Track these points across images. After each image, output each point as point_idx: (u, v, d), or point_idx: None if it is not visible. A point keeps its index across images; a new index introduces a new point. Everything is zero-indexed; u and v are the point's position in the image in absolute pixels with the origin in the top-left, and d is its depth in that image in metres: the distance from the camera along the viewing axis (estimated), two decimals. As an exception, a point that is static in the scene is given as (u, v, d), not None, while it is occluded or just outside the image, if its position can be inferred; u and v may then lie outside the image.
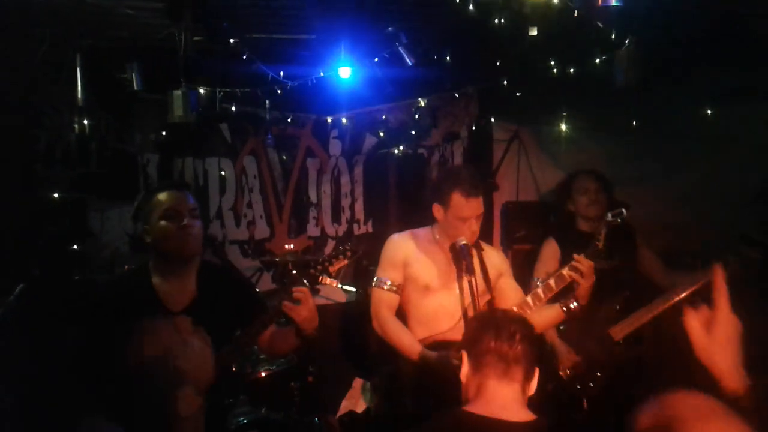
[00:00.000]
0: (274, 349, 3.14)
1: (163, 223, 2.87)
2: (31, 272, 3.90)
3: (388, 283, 3.46)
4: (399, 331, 3.42)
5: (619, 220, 3.20)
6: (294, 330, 2.88)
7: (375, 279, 3.55)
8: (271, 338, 3.07)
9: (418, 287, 3.44)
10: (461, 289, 3.28)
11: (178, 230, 2.86)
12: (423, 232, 3.55)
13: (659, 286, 4.12)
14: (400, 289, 3.48)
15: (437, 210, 3.37)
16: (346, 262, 3.00)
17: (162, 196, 2.92)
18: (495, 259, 3.52)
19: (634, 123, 4.87)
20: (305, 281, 2.87)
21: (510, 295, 3.45)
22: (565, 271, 3.20)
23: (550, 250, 4.18)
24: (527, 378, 2.19)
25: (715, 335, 1.59)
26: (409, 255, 3.46)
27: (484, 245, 3.48)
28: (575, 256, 3.17)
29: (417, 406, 3.27)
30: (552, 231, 4.38)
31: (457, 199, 3.26)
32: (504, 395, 2.14)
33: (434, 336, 3.40)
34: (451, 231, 3.34)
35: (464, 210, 3.26)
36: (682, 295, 3.80)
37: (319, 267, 2.93)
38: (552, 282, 3.25)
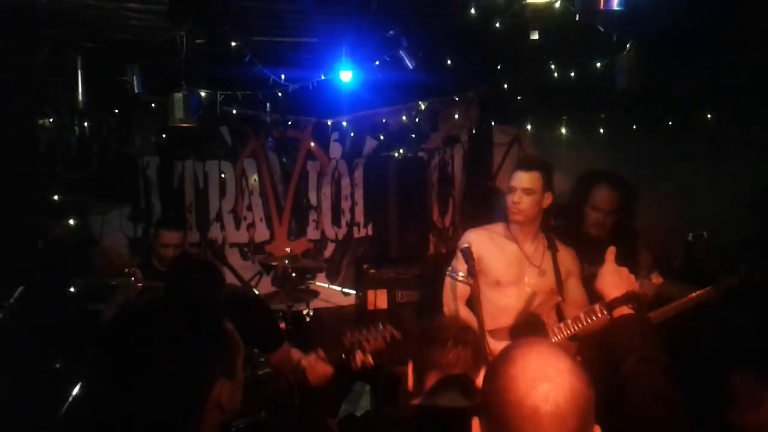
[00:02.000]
0: (279, 369, 3.17)
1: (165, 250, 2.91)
2: (31, 275, 3.88)
3: (461, 274, 3.50)
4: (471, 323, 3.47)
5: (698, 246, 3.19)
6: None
7: (450, 268, 3.61)
8: (280, 362, 3.11)
9: (489, 281, 3.50)
10: (532, 285, 3.46)
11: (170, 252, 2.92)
12: (496, 227, 3.64)
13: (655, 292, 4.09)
14: (470, 282, 3.44)
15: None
16: (384, 347, 3.05)
17: (165, 233, 2.97)
18: (567, 259, 3.61)
19: (635, 127, 4.87)
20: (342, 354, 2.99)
21: (573, 296, 3.54)
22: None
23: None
24: None
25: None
26: (481, 248, 3.49)
27: (559, 246, 3.60)
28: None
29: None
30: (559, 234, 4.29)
31: (513, 174, 3.52)
32: None
33: (500, 329, 3.45)
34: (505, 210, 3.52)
35: (512, 179, 3.49)
36: (677, 303, 3.79)
37: (357, 343, 3.03)
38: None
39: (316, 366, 2.91)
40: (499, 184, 5.86)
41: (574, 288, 3.58)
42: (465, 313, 3.48)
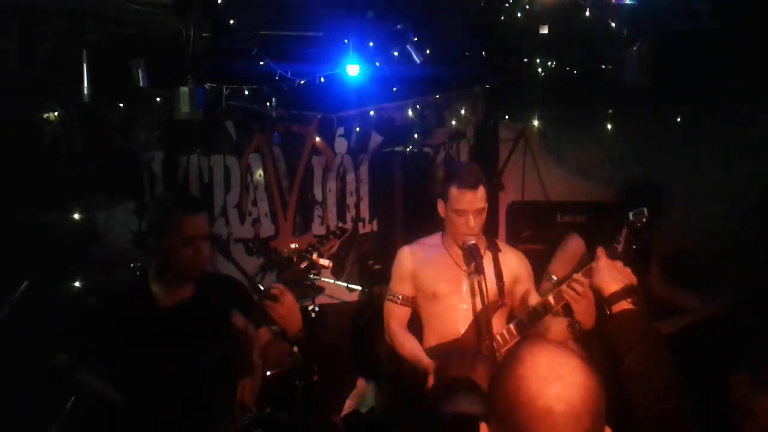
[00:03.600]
0: (268, 359, 3.10)
1: (180, 249, 2.84)
2: (35, 271, 3.86)
3: (399, 297, 3.49)
4: (405, 342, 3.43)
5: (638, 223, 3.01)
6: (282, 335, 2.85)
7: (388, 291, 3.56)
8: (264, 349, 3.04)
9: (427, 295, 3.43)
10: (472, 293, 3.25)
11: (193, 256, 2.85)
12: (431, 239, 3.53)
13: (654, 294, 4.02)
14: (410, 302, 3.50)
15: (440, 206, 3.37)
16: (337, 241, 3.03)
17: (182, 220, 2.85)
18: (512, 262, 3.43)
19: (643, 123, 4.84)
20: (288, 276, 2.85)
21: (524, 302, 3.35)
22: (563, 288, 3.02)
23: (575, 246, 3.99)
24: None
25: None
26: (415, 266, 3.46)
27: (503, 246, 3.46)
28: (575, 275, 2.99)
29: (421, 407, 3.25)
30: (577, 229, 4.19)
31: (453, 191, 3.24)
32: None
33: (447, 343, 3.37)
34: (451, 228, 3.32)
35: (459, 202, 3.22)
36: (688, 317, 3.75)
37: (311, 248, 2.94)
38: (551, 299, 3.08)
39: (275, 306, 2.75)
40: (505, 180, 5.84)
41: (525, 294, 3.37)
42: (402, 338, 3.43)
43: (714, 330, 3.76)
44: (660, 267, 4.08)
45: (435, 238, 3.52)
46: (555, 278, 3.78)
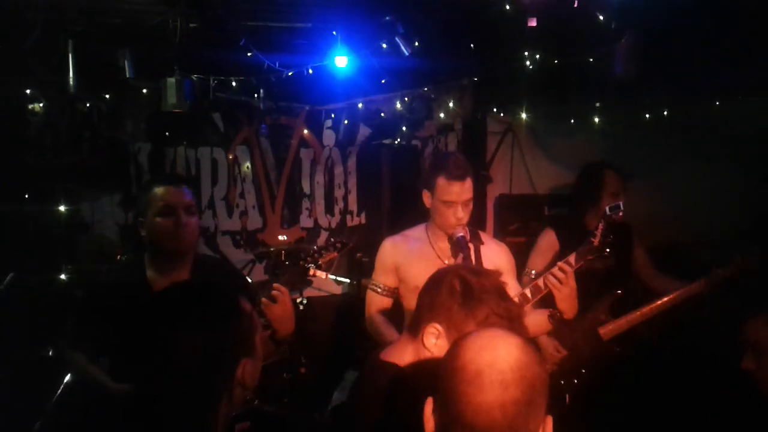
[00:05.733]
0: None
1: (158, 219, 2.84)
2: (21, 262, 3.84)
3: (380, 287, 3.48)
4: (384, 331, 3.40)
5: (615, 217, 3.09)
6: (270, 334, 2.84)
7: (371, 280, 3.56)
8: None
9: (410, 288, 3.37)
10: None
11: (174, 227, 2.83)
12: (415, 231, 3.49)
13: (648, 287, 4.08)
14: (392, 292, 3.48)
15: (426, 196, 3.32)
16: (336, 254, 2.99)
17: (159, 190, 2.87)
18: (493, 254, 3.36)
19: (631, 116, 4.86)
20: (287, 278, 2.82)
21: None
22: (541, 281, 3.08)
23: (548, 242, 4.06)
24: None
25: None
26: (398, 258, 3.43)
27: (485, 238, 3.41)
28: (559, 264, 3.05)
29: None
30: (552, 223, 4.25)
31: (441, 182, 3.20)
32: None
33: None
34: (438, 219, 3.28)
35: (448, 193, 3.18)
36: (672, 296, 3.80)
37: (309, 259, 2.91)
38: (528, 292, 3.13)
39: (272, 306, 2.76)
40: (493, 173, 5.85)
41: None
42: (378, 325, 3.43)
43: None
44: (647, 255, 4.12)
45: (419, 230, 3.48)
46: (534, 272, 3.84)
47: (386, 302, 3.49)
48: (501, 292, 1.91)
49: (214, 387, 1.56)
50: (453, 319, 1.87)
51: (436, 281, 1.95)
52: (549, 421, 1.37)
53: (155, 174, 4.92)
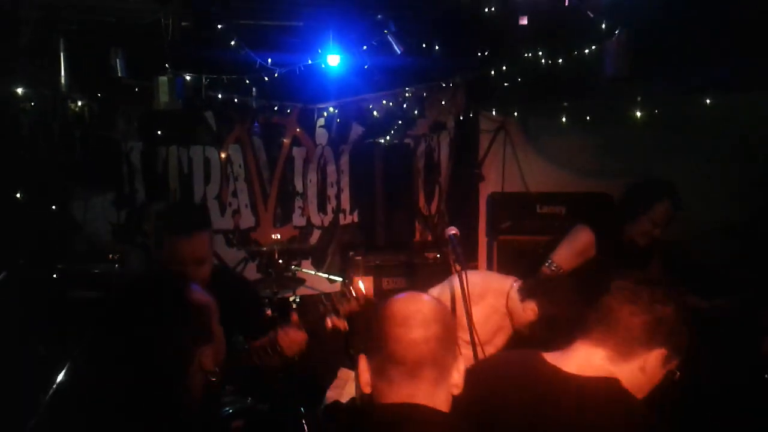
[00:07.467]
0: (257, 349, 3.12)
1: (167, 264, 2.83)
2: (15, 261, 3.83)
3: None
4: None
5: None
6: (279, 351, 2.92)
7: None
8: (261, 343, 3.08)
9: None
10: None
11: (181, 274, 2.82)
12: None
13: None
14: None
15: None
16: (355, 306, 3.03)
17: (169, 240, 2.83)
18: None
19: (622, 114, 4.87)
20: (310, 318, 2.98)
21: None
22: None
23: (586, 244, 3.79)
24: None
25: None
26: None
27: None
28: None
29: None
30: (590, 222, 3.90)
31: None
32: None
33: None
34: None
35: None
36: None
37: (328, 305, 3.00)
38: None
39: (290, 333, 2.87)
40: (485, 171, 5.86)
41: None
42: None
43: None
44: (660, 262, 4.07)
45: None
46: (555, 266, 3.71)
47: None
48: None
49: (170, 381, 1.67)
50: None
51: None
52: (461, 360, 1.67)
53: (147, 174, 4.94)
